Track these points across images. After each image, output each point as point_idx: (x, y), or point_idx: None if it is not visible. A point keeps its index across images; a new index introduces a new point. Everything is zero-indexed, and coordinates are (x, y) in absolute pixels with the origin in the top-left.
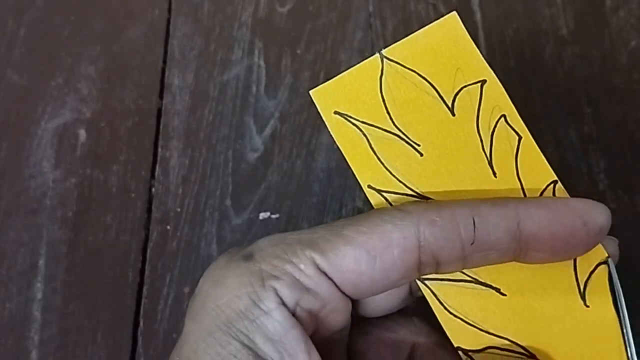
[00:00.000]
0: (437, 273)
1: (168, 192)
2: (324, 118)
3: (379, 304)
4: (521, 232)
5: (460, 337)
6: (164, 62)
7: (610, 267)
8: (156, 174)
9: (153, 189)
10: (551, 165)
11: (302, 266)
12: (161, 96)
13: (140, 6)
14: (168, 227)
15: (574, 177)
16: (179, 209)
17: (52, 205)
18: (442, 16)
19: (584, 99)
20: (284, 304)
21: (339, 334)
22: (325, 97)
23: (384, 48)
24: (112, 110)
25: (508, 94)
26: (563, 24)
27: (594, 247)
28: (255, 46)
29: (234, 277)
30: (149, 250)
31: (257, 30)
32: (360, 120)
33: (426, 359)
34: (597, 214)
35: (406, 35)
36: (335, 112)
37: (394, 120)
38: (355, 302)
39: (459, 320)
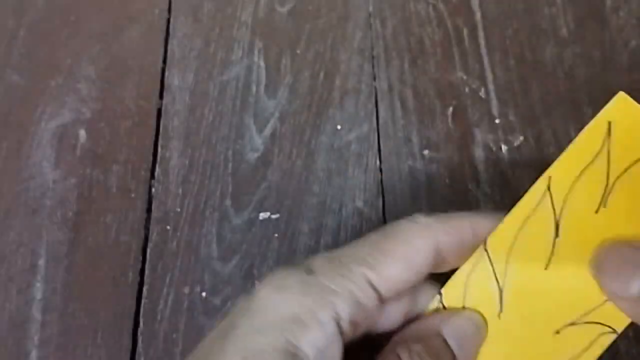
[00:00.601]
0: (439, 270)
1: (168, 192)
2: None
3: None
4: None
5: None
6: (164, 62)
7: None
8: (156, 174)
9: (153, 189)
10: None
11: (356, 280)
12: (161, 96)
13: (140, 6)
14: (168, 227)
15: None
16: (179, 209)
17: (52, 206)
18: (442, 16)
19: (584, 99)
20: (336, 318)
21: (363, 331)
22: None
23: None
24: (112, 110)
25: (508, 94)
26: (563, 24)
27: None
28: (255, 46)
29: (297, 286)
30: (149, 251)
31: (257, 30)
32: None
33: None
34: None
35: (406, 36)
36: None
37: None
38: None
39: None
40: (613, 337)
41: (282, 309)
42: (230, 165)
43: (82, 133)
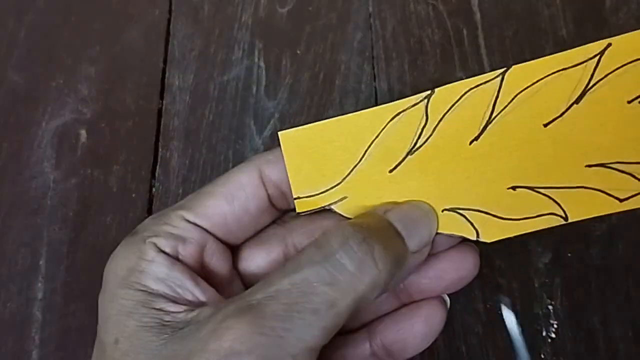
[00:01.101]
0: (290, 205)
1: (168, 192)
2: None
3: None
4: None
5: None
6: (164, 62)
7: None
8: (156, 174)
9: (153, 189)
10: None
11: (174, 223)
12: (161, 96)
13: (141, 7)
14: None
15: None
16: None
17: (53, 206)
18: (442, 16)
19: None
20: (163, 252)
21: (227, 276)
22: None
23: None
24: (113, 110)
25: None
26: (562, 24)
27: None
28: (255, 47)
29: (123, 248)
30: None
31: (257, 31)
32: None
33: None
34: None
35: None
36: None
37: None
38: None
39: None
40: (561, 222)
41: (118, 269)
42: (230, 165)
43: (83, 133)
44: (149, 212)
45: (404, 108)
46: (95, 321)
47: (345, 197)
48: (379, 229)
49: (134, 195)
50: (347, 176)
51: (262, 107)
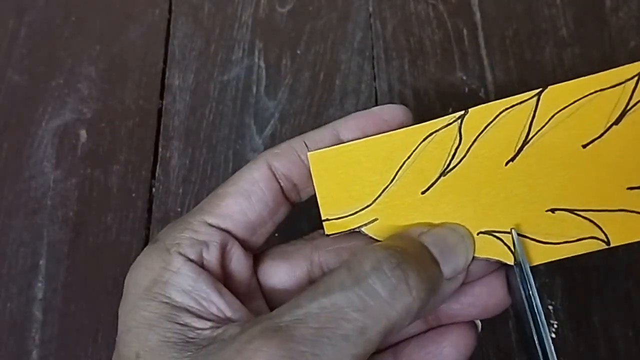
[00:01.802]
0: (301, 197)
1: (169, 192)
2: None
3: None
4: (343, 141)
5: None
6: (165, 62)
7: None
8: (157, 174)
9: (153, 189)
10: None
11: (195, 228)
12: (161, 96)
13: (141, 6)
14: None
15: None
16: (179, 209)
17: (53, 205)
18: (442, 16)
19: None
20: (189, 260)
21: (247, 279)
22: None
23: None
24: (113, 110)
25: (508, 94)
26: (563, 24)
27: None
28: (256, 46)
29: (146, 257)
30: None
31: (257, 31)
32: None
33: None
34: (395, 112)
35: (406, 36)
36: None
37: None
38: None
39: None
40: (602, 247)
41: (141, 280)
42: (230, 165)
43: (83, 133)
44: (149, 212)
45: (437, 128)
46: (95, 321)
47: (375, 219)
48: (414, 253)
49: (134, 195)
50: (377, 198)
51: (262, 107)
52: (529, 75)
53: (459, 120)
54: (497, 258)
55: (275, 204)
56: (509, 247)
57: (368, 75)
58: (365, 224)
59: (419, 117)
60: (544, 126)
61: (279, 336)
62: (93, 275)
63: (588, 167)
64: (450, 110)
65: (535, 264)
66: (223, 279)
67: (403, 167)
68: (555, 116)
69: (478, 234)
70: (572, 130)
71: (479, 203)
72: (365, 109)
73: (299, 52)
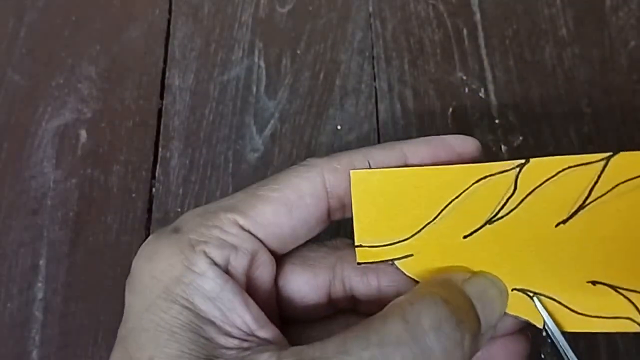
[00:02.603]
0: (345, 215)
1: (169, 192)
2: None
3: (300, 309)
4: (408, 165)
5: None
6: (165, 62)
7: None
8: (157, 174)
9: (153, 189)
10: None
11: (226, 228)
12: (161, 96)
13: (141, 6)
14: None
15: None
16: (179, 209)
17: (53, 206)
18: (442, 16)
19: (584, 99)
20: (215, 264)
21: (268, 290)
22: None
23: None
24: (113, 110)
25: (508, 94)
26: (563, 24)
27: None
28: (256, 46)
29: (165, 248)
30: None
31: (257, 31)
32: None
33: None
34: (468, 145)
35: (406, 36)
36: None
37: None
38: (280, 302)
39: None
40: (636, 330)
41: (160, 275)
42: (230, 165)
43: (83, 133)
44: (149, 212)
45: (493, 172)
46: (95, 321)
47: (410, 255)
48: (467, 311)
49: (134, 195)
50: (417, 233)
51: (262, 107)
52: (529, 75)
53: (518, 169)
54: (526, 318)
55: (317, 222)
56: (541, 313)
57: (368, 75)
58: (399, 258)
59: (420, 116)
60: (605, 194)
61: None
62: (93, 275)
63: None
64: (451, 110)
65: (564, 330)
66: (246, 288)
67: (450, 206)
68: (620, 186)
69: (512, 289)
70: (634, 205)
71: (520, 259)
72: (365, 109)
73: (299, 52)
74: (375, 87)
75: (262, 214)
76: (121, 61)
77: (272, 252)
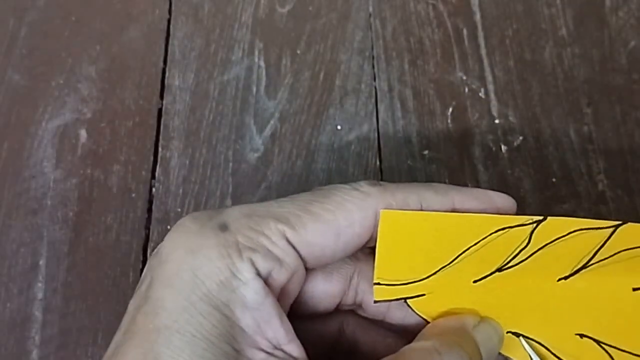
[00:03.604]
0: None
1: (168, 192)
2: None
3: (308, 308)
4: (455, 211)
5: None
6: (165, 62)
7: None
8: (157, 174)
9: (153, 189)
10: (550, 165)
11: (274, 239)
12: (161, 96)
13: (141, 6)
14: (169, 227)
15: (574, 178)
16: (179, 209)
17: (53, 205)
18: (442, 16)
19: (584, 99)
20: (259, 274)
21: (293, 300)
22: None
23: None
24: (113, 110)
25: (508, 94)
26: (563, 24)
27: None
28: (256, 46)
29: (212, 248)
30: (149, 250)
31: (257, 31)
32: None
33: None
34: (506, 202)
35: (406, 36)
36: None
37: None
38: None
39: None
40: None
41: (204, 276)
42: (230, 165)
43: (83, 133)
44: (149, 212)
45: (512, 225)
46: (95, 321)
47: (423, 295)
48: (477, 357)
49: (134, 195)
50: (433, 274)
51: (262, 106)
52: (529, 75)
53: (535, 224)
54: (516, 359)
55: (356, 249)
56: (530, 355)
57: (368, 75)
58: (412, 297)
59: (420, 116)
60: (607, 258)
61: None
62: (93, 275)
63: (628, 309)
64: (450, 109)
65: None
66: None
67: (466, 252)
68: (622, 253)
69: (507, 332)
70: (630, 272)
71: (521, 306)
72: (365, 108)
73: (299, 52)
74: (375, 87)
75: (311, 232)
76: (121, 61)
77: (306, 267)
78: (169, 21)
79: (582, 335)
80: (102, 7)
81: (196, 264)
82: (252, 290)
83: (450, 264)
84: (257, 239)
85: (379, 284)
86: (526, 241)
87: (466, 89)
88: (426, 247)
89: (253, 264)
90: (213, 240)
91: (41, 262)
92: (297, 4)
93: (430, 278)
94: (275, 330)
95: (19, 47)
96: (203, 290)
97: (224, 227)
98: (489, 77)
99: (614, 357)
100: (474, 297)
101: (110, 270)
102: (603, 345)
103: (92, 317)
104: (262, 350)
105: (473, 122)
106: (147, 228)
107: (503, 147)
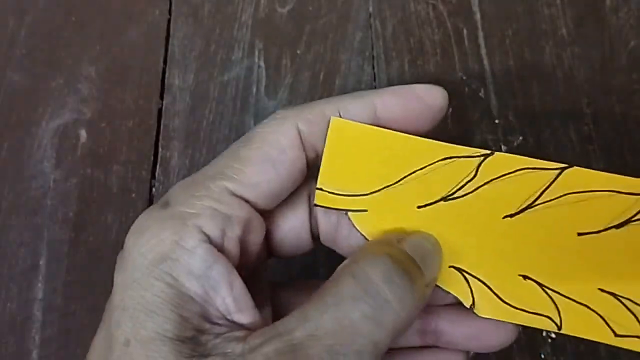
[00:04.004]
0: (319, 164)
1: None
2: None
3: (289, 246)
4: (379, 117)
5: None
6: (165, 62)
7: None
8: (157, 174)
9: (154, 189)
10: None
11: (216, 196)
12: (161, 96)
13: (141, 7)
14: None
15: None
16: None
17: (53, 205)
18: (442, 16)
19: (584, 99)
20: (207, 240)
21: (258, 256)
22: None
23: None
24: (113, 110)
25: (508, 94)
26: (563, 24)
27: (438, 121)
28: (256, 47)
29: (156, 224)
30: None
31: (257, 31)
32: None
33: None
34: (437, 95)
35: (406, 36)
36: None
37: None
38: (269, 244)
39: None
40: (553, 329)
41: (148, 252)
42: None
43: (83, 133)
44: None
45: (459, 155)
46: (95, 321)
47: (365, 210)
48: (409, 263)
49: (134, 195)
50: (376, 192)
51: (262, 107)
52: (529, 75)
53: (482, 157)
54: (457, 295)
55: (300, 173)
56: (471, 291)
57: (368, 75)
58: (353, 210)
59: None
60: (552, 200)
61: (296, 357)
62: (93, 275)
63: (574, 255)
64: (450, 109)
65: (484, 316)
66: (238, 259)
67: (411, 175)
68: (567, 196)
69: (450, 266)
70: (575, 216)
71: (463, 240)
72: None
73: (299, 52)
74: (375, 87)
75: (250, 175)
76: (121, 61)
77: (261, 211)
78: (169, 21)
79: (525, 277)
80: (102, 7)
81: (140, 242)
82: (198, 258)
83: (395, 184)
84: (200, 204)
85: (321, 189)
86: (473, 173)
87: (466, 89)
88: (372, 163)
89: (200, 229)
90: (157, 217)
91: (41, 262)
92: (297, 4)
93: (374, 195)
94: (224, 298)
95: (19, 47)
96: (145, 264)
97: (166, 204)
98: (489, 77)
99: (556, 302)
100: (417, 222)
101: (110, 270)
102: (546, 289)
103: (92, 317)
104: (208, 319)
105: (473, 122)
106: None
107: (503, 147)
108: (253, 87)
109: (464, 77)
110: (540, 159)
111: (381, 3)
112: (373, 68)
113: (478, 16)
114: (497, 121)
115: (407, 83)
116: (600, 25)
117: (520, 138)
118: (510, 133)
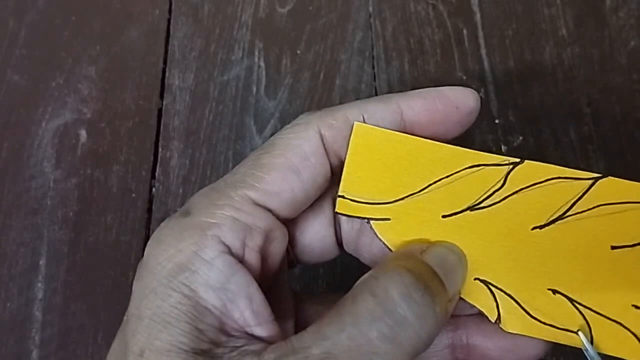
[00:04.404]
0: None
1: (169, 192)
2: None
3: (314, 252)
4: (404, 122)
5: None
6: (165, 62)
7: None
8: (157, 174)
9: (153, 189)
10: None
11: (238, 205)
12: (161, 96)
13: (141, 7)
14: None
15: None
16: (179, 209)
17: (53, 205)
18: (442, 16)
19: (584, 99)
20: (227, 251)
21: (280, 265)
22: None
23: None
24: (113, 110)
25: (508, 94)
26: (563, 24)
27: (468, 126)
28: (256, 47)
29: (175, 234)
30: None
31: (257, 31)
32: None
33: None
34: (467, 98)
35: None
36: None
37: None
38: (293, 250)
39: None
40: (583, 346)
41: (166, 261)
42: (230, 165)
43: (83, 133)
44: (149, 212)
45: (487, 163)
46: (95, 321)
47: (388, 219)
48: (430, 277)
49: (134, 195)
50: (400, 199)
51: (262, 107)
52: (529, 75)
53: (511, 166)
54: (482, 309)
55: (324, 180)
56: (497, 305)
57: (368, 75)
58: (376, 219)
59: None
60: (584, 211)
61: None
62: (93, 275)
63: (606, 268)
64: None
65: (510, 331)
66: (259, 269)
67: (437, 183)
68: (600, 207)
69: (475, 278)
70: (609, 228)
71: (490, 252)
72: None
73: (299, 52)
74: (375, 87)
75: (272, 183)
76: (121, 61)
77: (284, 219)
78: (169, 21)
79: (554, 291)
80: (102, 7)
81: (159, 252)
82: (216, 270)
83: (420, 193)
84: (221, 213)
85: (343, 197)
86: (501, 182)
87: None
88: (396, 170)
89: (220, 240)
90: (177, 227)
91: (41, 262)
92: (297, 4)
93: (397, 203)
94: (242, 311)
95: (19, 48)
96: (164, 274)
97: (186, 213)
98: (489, 77)
99: (587, 318)
100: (441, 232)
101: (110, 270)
102: (576, 305)
103: (92, 317)
104: (225, 332)
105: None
106: (147, 228)
107: (503, 147)
108: (253, 87)
109: (464, 77)
110: (540, 159)
111: (381, 3)
112: (373, 68)
113: (478, 16)
114: (497, 121)
115: (407, 83)
116: (600, 25)
117: (520, 138)
118: (510, 133)
